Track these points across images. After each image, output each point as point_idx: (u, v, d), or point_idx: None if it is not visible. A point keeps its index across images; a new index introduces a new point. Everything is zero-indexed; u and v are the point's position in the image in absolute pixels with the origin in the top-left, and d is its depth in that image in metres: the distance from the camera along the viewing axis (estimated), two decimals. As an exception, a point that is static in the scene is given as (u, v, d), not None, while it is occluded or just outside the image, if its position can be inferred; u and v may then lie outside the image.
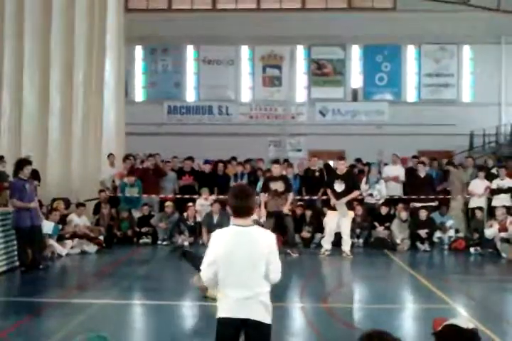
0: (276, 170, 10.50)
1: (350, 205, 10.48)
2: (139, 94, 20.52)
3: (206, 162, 13.46)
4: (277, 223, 10.30)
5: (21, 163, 8.73)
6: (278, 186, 10.25)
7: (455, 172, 12.29)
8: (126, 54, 17.92)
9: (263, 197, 10.33)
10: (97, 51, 13.61)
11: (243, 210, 3.55)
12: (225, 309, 3.50)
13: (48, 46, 12.68)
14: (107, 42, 13.92)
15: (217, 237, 3.58)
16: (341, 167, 10.50)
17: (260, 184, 11.92)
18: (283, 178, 10.48)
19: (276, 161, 11.27)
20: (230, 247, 3.50)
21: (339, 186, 10.28)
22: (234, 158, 14.14)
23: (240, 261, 3.46)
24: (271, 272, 3.52)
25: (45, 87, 12.70)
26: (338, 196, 10.26)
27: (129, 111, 16.93)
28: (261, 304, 3.50)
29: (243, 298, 3.45)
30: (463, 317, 2.63)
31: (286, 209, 10.29)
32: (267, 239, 3.56)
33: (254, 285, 3.48)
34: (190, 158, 13.19)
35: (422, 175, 11.99)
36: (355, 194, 10.45)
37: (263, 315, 3.50)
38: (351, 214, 10.48)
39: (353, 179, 10.72)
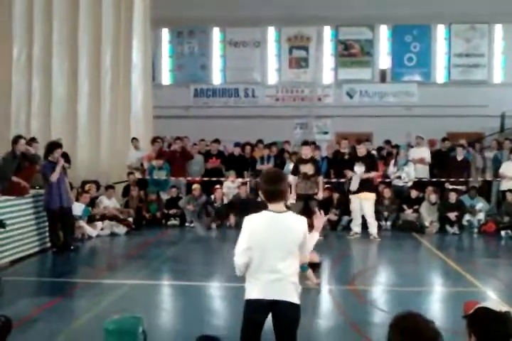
0: (307, 151, 10.45)
1: (371, 188, 10.38)
2: (165, 78, 20.53)
3: (236, 145, 13.43)
4: (306, 206, 10.29)
5: (52, 146, 8.87)
6: (307, 169, 10.21)
7: (473, 156, 12.14)
8: (153, 37, 17.92)
9: (293, 180, 10.32)
10: (124, 35, 13.66)
11: (276, 195, 3.52)
12: (255, 291, 3.52)
13: (76, 31, 12.80)
14: (134, 26, 13.93)
15: (250, 223, 3.54)
16: (361, 150, 10.44)
17: (287, 166, 11.92)
18: (312, 161, 10.42)
19: (306, 143, 11.18)
20: (264, 234, 3.48)
21: (359, 168, 10.22)
22: (260, 141, 14.11)
23: (274, 247, 3.46)
24: (302, 252, 3.58)
25: (73, 73, 12.85)
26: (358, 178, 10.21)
27: (156, 94, 16.96)
28: (291, 284, 3.52)
29: (274, 280, 3.47)
30: (494, 301, 2.59)
31: (320, 195, 10.25)
32: (301, 225, 3.55)
33: (285, 268, 3.50)
34: (217, 141, 13.23)
35: (460, 158, 11.81)
36: (374, 174, 10.42)
37: (293, 295, 3.52)
38: (373, 196, 10.37)
39: (372, 161, 10.62)
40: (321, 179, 10.37)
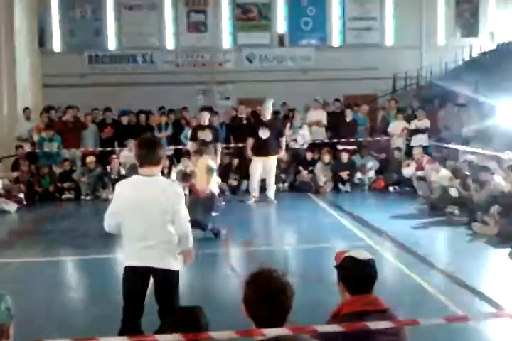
0: (205, 118, 10.36)
1: (277, 152, 10.46)
2: (57, 44, 19.46)
3: (123, 113, 12.94)
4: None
5: None
6: (205, 135, 10.13)
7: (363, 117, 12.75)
8: (40, 1, 16.84)
9: (191, 146, 10.26)
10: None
11: (148, 159, 3.51)
12: (131, 257, 3.56)
13: None
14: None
15: (120, 188, 3.58)
16: (266, 113, 10.46)
17: (185, 133, 11.82)
18: (211, 127, 10.36)
19: (205, 108, 11.05)
20: (133, 197, 3.49)
21: (264, 133, 10.27)
22: (161, 108, 13.84)
23: (143, 210, 3.46)
24: (176, 222, 3.54)
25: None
26: (263, 143, 10.26)
27: (48, 62, 16.13)
28: (166, 252, 3.54)
29: (147, 247, 3.48)
30: (361, 250, 2.77)
31: (218, 161, 10.20)
32: (172, 189, 3.56)
33: (158, 233, 3.50)
34: (109, 109, 12.77)
35: (348, 119, 12.22)
36: (283, 142, 10.45)
37: (168, 262, 3.55)
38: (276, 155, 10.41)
39: (277, 126, 10.74)
40: (219, 145, 10.33)
